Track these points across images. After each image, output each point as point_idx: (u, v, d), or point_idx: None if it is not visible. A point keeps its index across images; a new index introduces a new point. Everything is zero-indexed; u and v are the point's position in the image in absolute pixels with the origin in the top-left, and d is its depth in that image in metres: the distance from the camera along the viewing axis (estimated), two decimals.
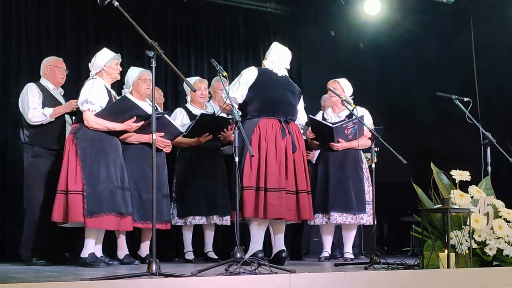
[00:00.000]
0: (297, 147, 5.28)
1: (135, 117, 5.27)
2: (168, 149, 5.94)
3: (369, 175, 6.25)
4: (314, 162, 6.48)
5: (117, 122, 5.25)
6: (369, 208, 6.10)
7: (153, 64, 3.78)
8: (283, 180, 5.17)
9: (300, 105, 5.58)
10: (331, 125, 6.10)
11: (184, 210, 5.98)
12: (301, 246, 6.89)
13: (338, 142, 6.10)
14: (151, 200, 5.45)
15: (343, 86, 6.24)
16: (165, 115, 5.66)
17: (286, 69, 5.54)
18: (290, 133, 5.27)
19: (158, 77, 7.31)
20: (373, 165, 5.22)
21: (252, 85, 5.30)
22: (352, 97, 6.22)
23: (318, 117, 6.33)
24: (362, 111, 6.10)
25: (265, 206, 5.07)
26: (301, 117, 5.62)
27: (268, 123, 5.24)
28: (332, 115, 6.34)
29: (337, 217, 6.04)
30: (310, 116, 6.16)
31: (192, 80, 6.34)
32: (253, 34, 8.54)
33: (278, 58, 5.49)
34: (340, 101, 6.19)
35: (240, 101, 5.30)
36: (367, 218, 6.10)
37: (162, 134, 5.63)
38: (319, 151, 6.48)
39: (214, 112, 6.08)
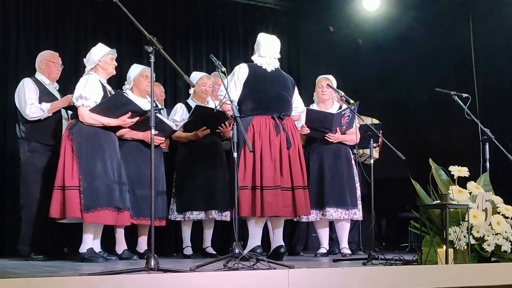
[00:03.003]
0: (292, 143, 5.25)
1: (129, 113, 5.27)
2: (164, 145, 5.95)
3: (356, 171, 6.28)
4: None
5: (111, 117, 5.25)
6: (358, 203, 6.15)
7: (152, 60, 3.78)
8: (278, 177, 5.15)
9: (296, 95, 5.53)
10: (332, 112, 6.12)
11: (183, 205, 5.99)
12: (298, 242, 6.90)
13: (335, 132, 6.09)
14: (144, 196, 5.54)
15: (333, 83, 6.25)
16: (157, 115, 5.64)
17: (278, 58, 5.47)
18: (284, 129, 5.24)
19: (157, 73, 7.31)
20: (372, 161, 5.21)
21: (244, 84, 5.27)
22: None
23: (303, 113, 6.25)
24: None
25: (261, 204, 5.06)
26: (298, 106, 5.58)
27: (261, 121, 5.21)
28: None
29: (333, 213, 6.05)
30: (307, 107, 6.15)
31: (199, 75, 6.35)
32: (252, 29, 8.50)
33: (267, 51, 5.40)
34: (330, 98, 6.25)
35: (236, 101, 5.27)
36: (358, 213, 6.13)
37: (156, 132, 5.60)
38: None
39: (215, 107, 6.06)
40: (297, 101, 5.55)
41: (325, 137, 6.14)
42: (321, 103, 6.37)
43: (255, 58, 5.44)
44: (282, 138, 5.22)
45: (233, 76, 5.32)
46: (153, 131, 3.76)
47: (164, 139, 5.85)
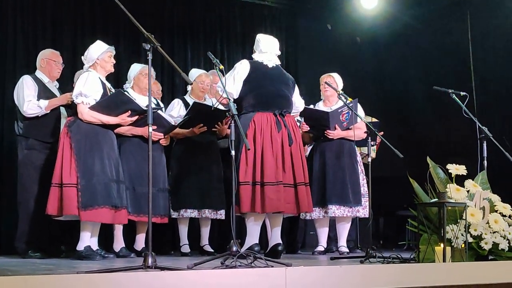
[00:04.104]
0: (294, 140, 5.26)
1: (129, 111, 5.26)
2: (164, 141, 5.95)
3: (363, 168, 6.28)
4: (307, 155, 6.46)
5: (111, 115, 5.24)
6: (364, 201, 6.14)
7: (150, 57, 3.77)
8: (280, 173, 5.15)
9: (296, 93, 5.54)
10: (327, 110, 6.13)
11: (177, 202, 5.99)
12: (296, 240, 6.90)
13: (335, 129, 6.10)
14: (144, 194, 5.53)
15: (337, 81, 6.27)
16: (158, 111, 5.65)
17: (278, 56, 5.48)
18: (286, 126, 5.25)
19: (155, 71, 7.30)
20: (369, 159, 5.21)
21: (245, 80, 5.26)
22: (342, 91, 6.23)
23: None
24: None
25: (262, 200, 5.06)
26: (299, 106, 5.60)
27: (263, 117, 5.21)
28: (324, 108, 6.34)
29: (335, 210, 6.05)
30: (304, 106, 6.17)
31: (198, 72, 6.35)
32: (250, 27, 8.52)
33: (267, 47, 5.41)
34: (333, 95, 6.26)
35: (236, 97, 5.27)
36: (362, 210, 6.14)
37: (154, 127, 5.61)
38: (310, 147, 6.48)
39: (212, 105, 6.06)
40: (297, 100, 5.55)
41: (325, 134, 6.15)
42: (326, 100, 6.40)
43: (255, 56, 5.45)
44: (283, 135, 5.22)
45: (233, 71, 5.32)
46: (150, 129, 3.76)
47: (162, 135, 5.84)
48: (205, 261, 3.94)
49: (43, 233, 5.70)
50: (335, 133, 6.14)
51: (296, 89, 5.56)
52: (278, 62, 5.47)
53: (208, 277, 3.22)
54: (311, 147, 6.50)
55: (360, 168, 6.28)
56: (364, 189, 6.21)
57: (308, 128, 6.16)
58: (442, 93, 5.83)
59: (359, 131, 5.96)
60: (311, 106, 6.35)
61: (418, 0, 8.27)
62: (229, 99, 4.62)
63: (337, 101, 6.33)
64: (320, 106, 6.41)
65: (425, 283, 3.75)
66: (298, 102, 5.56)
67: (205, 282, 3.18)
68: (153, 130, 5.52)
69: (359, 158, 6.32)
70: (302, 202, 5.24)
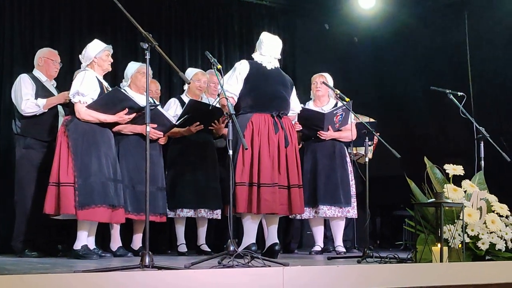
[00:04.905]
0: (290, 142, 5.26)
1: (127, 109, 5.26)
2: (162, 141, 5.95)
3: (351, 168, 6.29)
4: None
5: (109, 114, 5.23)
6: (352, 201, 6.16)
7: (147, 56, 3.77)
8: (276, 175, 5.15)
9: (293, 95, 5.54)
10: (322, 111, 6.15)
11: (173, 202, 5.98)
12: (291, 240, 6.91)
13: (327, 129, 6.11)
14: (144, 192, 5.50)
15: (329, 80, 6.26)
16: (157, 107, 5.65)
17: (278, 59, 5.48)
18: (282, 127, 5.24)
19: (152, 70, 7.29)
20: (366, 159, 5.21)
21: (245, 80, 5.26)
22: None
23: None
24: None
25: (258, 201, 5.06)
26: (295, 107, 5.60)
27: (260, 118, 5.21)
28: (314, 108, 6.33)
29: (326, 211, 6.07)
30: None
31: (194, 71, 6.34)
32: (248, 27, 8.53)
33: (269, 50, 5.41)
34: (325, 95, 6.28)
35: (238, 95, 5.27)
36: (352, 211, 6.15)
37: (155, 126, 5.61)
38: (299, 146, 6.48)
39: (209, 103, 6.06)
40: (294, 102, 5.55)
41: (318, 135, 6.15)
42: (317, 100, 6.39)
43: (256, 56, 5.44)
44: (280, 137, 5.22)
45: (234, 71, 5.31)
46: (148, 128, 3.75)
47: (162, 134, 5.83)
48: (202, 260, 3.94)
49: (40, 232, 5.69)
50: (328, 134, 6.16)
51: (294, 91, 5.56)
52: (277, 65, 5.46)
53: (205, 276, 3.22)
54: (300, 146, 6.48)
55: (350, 168, 6.29)
56: (352, 189, 6.23)
57: (300, 128, 6.15)
58: (439, 93, 5.83)
59: (348, 131, 6.00)
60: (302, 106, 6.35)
61: (415, 0, 8.27)
62: (227, 99, 4.60)
63: (328, 101, 6.35)
64: (311, 105, 6.40)
65: (422, 283, 3.75)
66: (294, 104, 5.54)
67: (202, 281, 3.17)
68: (153, 128, 5.59)
69: (348, 159, 6.33)
70: (295, 204, 5.25)
